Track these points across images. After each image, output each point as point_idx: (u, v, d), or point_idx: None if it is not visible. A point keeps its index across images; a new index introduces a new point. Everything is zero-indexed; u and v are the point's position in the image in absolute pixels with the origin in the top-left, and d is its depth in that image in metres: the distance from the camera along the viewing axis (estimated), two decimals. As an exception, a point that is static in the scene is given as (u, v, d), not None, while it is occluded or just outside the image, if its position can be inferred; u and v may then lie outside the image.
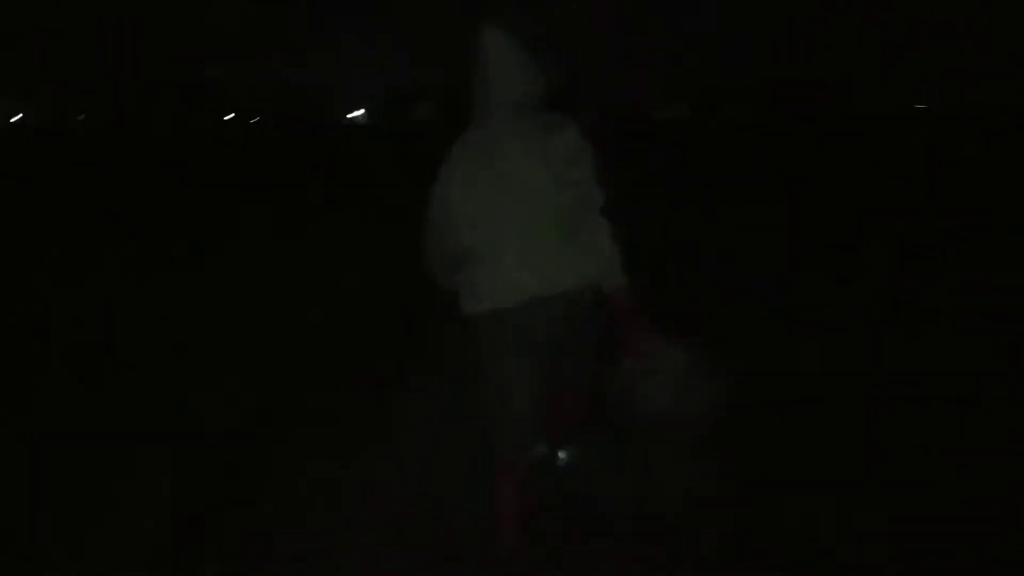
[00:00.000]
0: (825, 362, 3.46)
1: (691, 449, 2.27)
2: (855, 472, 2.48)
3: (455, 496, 2.36)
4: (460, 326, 2.04)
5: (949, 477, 2.42)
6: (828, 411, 2.94)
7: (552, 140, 1.96)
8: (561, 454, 2.51)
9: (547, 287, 1.96)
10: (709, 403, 1.95)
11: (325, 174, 14.79)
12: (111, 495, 2.47)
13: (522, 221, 1.96)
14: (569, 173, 1.96)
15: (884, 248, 6.13)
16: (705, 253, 6.17)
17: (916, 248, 6.07)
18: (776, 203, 8.91)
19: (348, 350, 3.80)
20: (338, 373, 3.47)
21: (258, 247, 6.81)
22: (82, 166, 17.92)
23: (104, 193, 11.73)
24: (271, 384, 3.40)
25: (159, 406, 3.16)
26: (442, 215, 2.03)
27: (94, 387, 3.38)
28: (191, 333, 4.16)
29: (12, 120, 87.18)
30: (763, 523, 2.23)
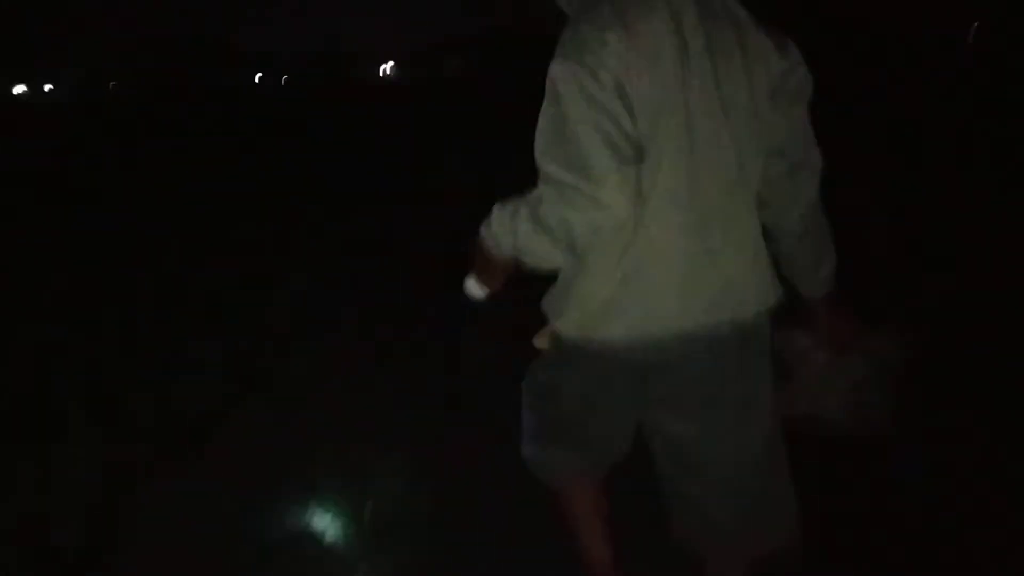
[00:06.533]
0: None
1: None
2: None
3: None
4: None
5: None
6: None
7: (773, 60, 1.20)
8: None
9: (721, 309, 1.27)
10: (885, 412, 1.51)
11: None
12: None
13: (723, 182, 1.22)
14: (790, 119, 1.26)
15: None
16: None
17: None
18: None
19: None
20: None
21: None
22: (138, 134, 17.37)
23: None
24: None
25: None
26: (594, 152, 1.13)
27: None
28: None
29: (47, 90, 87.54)
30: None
